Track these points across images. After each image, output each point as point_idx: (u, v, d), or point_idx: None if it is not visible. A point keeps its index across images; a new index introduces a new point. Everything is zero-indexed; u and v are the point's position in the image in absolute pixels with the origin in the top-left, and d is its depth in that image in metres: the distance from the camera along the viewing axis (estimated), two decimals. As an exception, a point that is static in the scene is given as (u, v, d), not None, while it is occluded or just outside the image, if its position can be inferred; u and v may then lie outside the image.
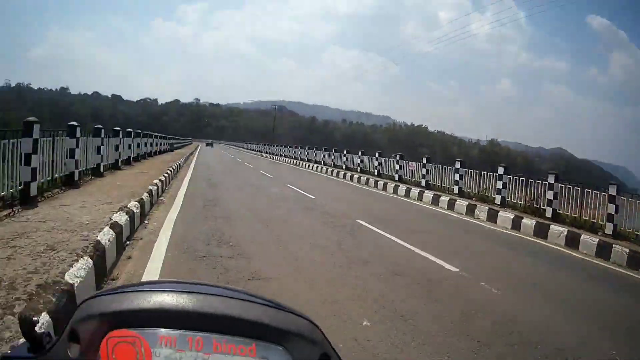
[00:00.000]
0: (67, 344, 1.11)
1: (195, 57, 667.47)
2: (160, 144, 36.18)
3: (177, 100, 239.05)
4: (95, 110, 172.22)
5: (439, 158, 26.19)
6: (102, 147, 16.62)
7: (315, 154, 40.38)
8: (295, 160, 45.22)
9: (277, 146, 60.14)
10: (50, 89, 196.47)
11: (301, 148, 44.36)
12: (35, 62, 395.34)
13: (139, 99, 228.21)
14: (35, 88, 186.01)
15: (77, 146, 13.14)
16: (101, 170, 16.38)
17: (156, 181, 14.59)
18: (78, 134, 13.36)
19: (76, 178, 12.97)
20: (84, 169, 14.56)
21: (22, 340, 1.16)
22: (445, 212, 17.35)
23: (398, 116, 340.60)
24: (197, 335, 1.09)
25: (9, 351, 1.19)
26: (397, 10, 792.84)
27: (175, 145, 54.24)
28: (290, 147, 53.13)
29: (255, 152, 73.87)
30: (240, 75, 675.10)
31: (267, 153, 64.34)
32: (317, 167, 36.23)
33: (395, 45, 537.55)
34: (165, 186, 16.39)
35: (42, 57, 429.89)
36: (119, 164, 19.71)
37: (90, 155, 15.47)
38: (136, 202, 9.73)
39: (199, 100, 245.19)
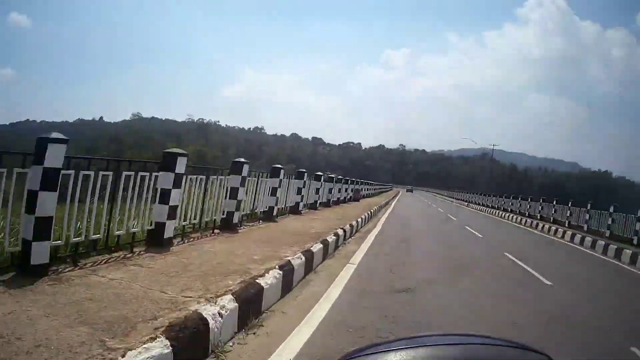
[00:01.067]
0: None
1: (400, 103, 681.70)
2: (340, 190, 29.58)
3: (381, 146, 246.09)
4: (292, 151, 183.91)
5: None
6: (303, 189, 18.90)
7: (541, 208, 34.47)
8: (512, 216, 38.96)
9: (487, 196, 56.10)
10: (242, 128, 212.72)
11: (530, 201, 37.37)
12: (227, 102, 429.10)
13: (341, 143, 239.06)
14: (224, 125, 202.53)
15: (280, 186, 15.25)
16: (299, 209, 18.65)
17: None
18: (281, 176, 15.44)
19: (274, 214, 15.11)
20: (282, 206, 16.67)
21: None
22: None
23: (585, 163, 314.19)
24: None
25: None
26: (579, 52, 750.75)
27: (363, 193, 42.97)
28: (502, 197, 47.58)
29: (464, 203, 67.24)
30: (443, 121, 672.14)
31: (474, 203, 60.90)
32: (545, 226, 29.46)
33: (583, 90, 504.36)
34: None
35: (236, 97, 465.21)
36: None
37: (289, 196, 17.60)
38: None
39: (404, 146, 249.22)
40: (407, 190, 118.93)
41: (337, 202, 27.98)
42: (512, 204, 41.61)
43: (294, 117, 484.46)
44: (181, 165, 8.33)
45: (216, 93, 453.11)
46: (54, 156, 5.64)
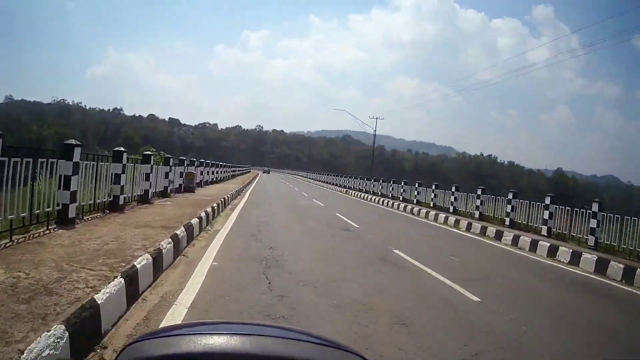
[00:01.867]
0: None
1: (259, 85, 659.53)
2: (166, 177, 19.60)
3: (238, 126, 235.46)
4: (149, 132, 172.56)
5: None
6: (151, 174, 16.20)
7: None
8: (382, 199, 35.26)
9: (367, 180, 47.99)
10: (102, 109, 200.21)
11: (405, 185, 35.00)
12: (91, 83, 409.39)
13: (197, 124, 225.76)
14: (87, 107, 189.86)
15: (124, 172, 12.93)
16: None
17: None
18: (124, 160, 13.05)
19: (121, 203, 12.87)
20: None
21: None
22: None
23: (460, 147, 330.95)
24: None
25: None
26: (458, 38, 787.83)
27: (207, 178, 31.97)
28: (372, 180, 44.16)
29: (338, 188, 56.22)
30: (304, 104, 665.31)
31: (337, 185, 55.11)
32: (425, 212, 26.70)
33: (457, 74, 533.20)
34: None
35: (99, 78, 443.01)
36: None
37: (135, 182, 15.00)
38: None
39: (262, 127, 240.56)
40: (264, 172, 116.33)
41: (146, 200, 16.04)
42: (417, 193, 32.39)
43: (152, 97, 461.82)
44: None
45: (82, 74, 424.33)
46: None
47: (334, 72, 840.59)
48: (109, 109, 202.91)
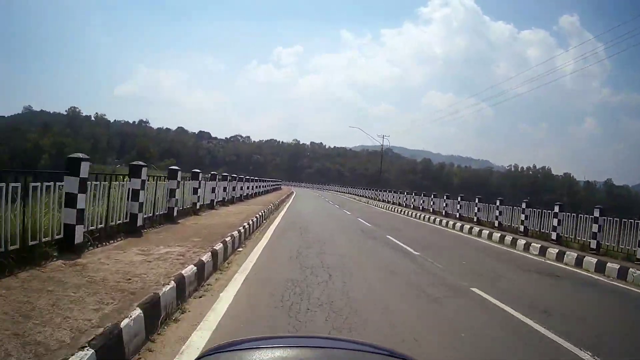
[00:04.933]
0: None
1: (293, 101, 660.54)
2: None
3: (272, 140, 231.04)
4: (172, 145, 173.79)
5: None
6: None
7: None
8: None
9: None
10: (127, 121, 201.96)
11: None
12: (120, 100, 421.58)
13: (228, 136, 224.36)
14: (111, 120, 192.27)
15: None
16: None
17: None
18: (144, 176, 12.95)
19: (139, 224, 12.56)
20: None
21: None
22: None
23: (496, 160, 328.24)
24: None
25: None
26: (487, 52, 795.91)
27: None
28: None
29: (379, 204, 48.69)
30: (340, 120, 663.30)
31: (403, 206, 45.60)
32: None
33: (487, 88, 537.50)
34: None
35: (129, 95, 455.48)
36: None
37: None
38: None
39: (299, 140, 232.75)
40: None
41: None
42: (477, 210, 28.71)
43: (183, 114, 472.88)
44: None
45: (111, 90, 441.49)
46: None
47: (368, 87, 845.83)
48: (134, 121, 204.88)
